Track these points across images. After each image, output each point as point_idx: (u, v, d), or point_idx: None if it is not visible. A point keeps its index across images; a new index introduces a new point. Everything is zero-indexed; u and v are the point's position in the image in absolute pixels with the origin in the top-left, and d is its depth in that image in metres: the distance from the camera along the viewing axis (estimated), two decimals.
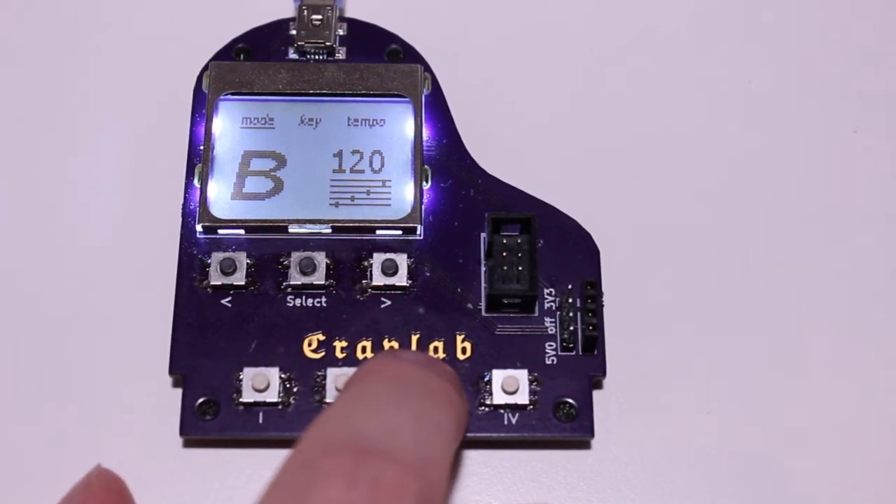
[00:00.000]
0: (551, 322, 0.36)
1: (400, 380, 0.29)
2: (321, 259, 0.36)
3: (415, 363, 0.30)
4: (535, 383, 0.35)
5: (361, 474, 0.26)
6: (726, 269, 0.38)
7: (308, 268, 0.36)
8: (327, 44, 0.39)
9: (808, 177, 0.40)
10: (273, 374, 0.35)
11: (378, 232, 0.37)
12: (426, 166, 0.37)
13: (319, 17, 0.39)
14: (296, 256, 0.36)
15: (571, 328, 0.35)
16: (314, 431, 0.28)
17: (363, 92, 0.38)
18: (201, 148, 0.37)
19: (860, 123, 0.40)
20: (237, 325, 0.36)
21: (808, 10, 0.42)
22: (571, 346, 0.35)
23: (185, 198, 0.37)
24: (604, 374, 0.35)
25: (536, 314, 0.36)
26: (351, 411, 0.28)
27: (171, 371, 0.35)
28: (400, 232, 0.37)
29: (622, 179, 0.39)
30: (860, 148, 0.40)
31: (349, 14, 0.41)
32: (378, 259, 0.36)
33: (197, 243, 0.37)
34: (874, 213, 0.39)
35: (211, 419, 0.35)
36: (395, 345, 0.35)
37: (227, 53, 0.39)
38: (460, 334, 0.36)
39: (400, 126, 0.38)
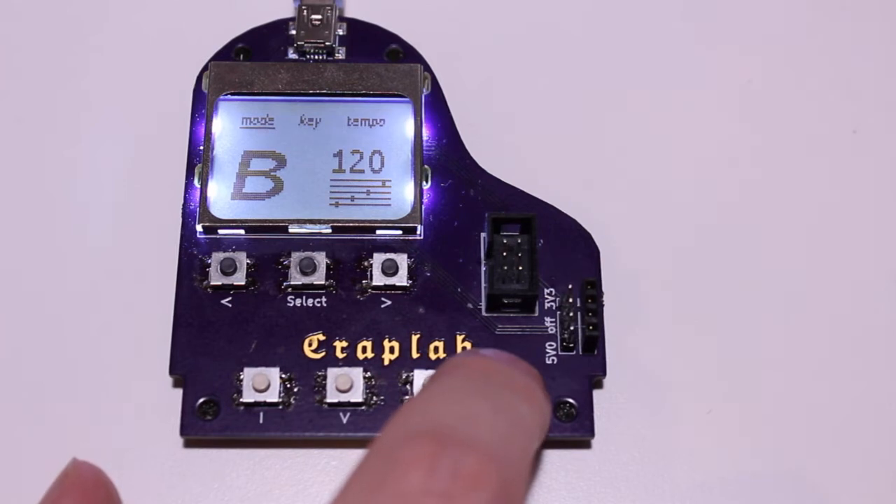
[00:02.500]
0: (551, 322, 0.36)
1: (483, 373, 0.29)
2: (321, 259, 0.36)
3: (497, 359, 0.30)
4: None
5: (442, 462, 0.26)
6: (726, 268, 0.38)
7: (308, 268, 0.36)
8: (327, 44, 0.39)
9: (808, 177, 0.40)
10: (273, 375, 0.35)
11: (378, 232, 0.37)
12: (426, 166, 0.37)
13: (319, 16, 0.39)
14: (296, 256, 0.36)
15: (572, 328, 0.35)
16: (395, 421, 0.28)
17: (363, 92, 0.38)
18: (201, 148, 0.37)
19: (860, 123, 0.40)
20: (237, 325, 0.36)
21: (808, 10, 0.42)
22: (572, 345, 0.35)
23: (185, 198, 0.37)
24: (604, 373, 0.35)
25: (537, 314, 0.36)
26: (432, 402, 0.28)
27: (172, 371, 0.35)
28: (400, 232, 0.37)
29: (622, 179, 0.39)
30: (860, 148, 0.40)
31: (349, 14, 0.41)
32: (378, 259, 0.36)
33: (197, 243, 0.37)
34: (874, 213, 0.39)
35: (211, 419, 0.35)
36: (395, 345, 0.35)
37: (226, 53, 0.39)
38: (460, 334, 0.36)
39: (400, 126, 0.38)
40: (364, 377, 0.35)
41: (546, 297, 0.36)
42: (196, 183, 0.37)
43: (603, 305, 0.36)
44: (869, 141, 0.40)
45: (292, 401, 0.35)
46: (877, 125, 0.40)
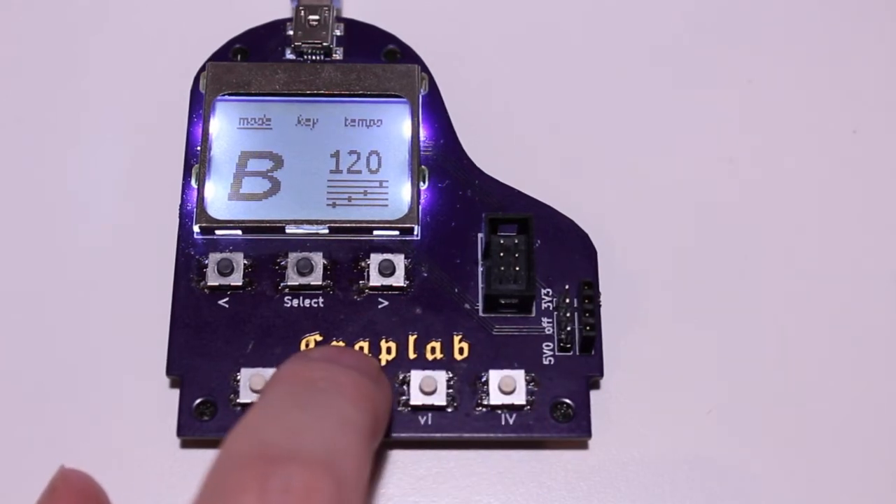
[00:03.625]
0: (549, 322, 0.36)
1: (304, 382, 0.30)
2: (318, 260, 0.36)
3: (321, 360, 0.31)
4: (532, 383, 0.35)
5: (271, 483, 0.26)
6: (724, 269, 0.38)
7: (305, 268, 0.36)
8: (324, 44, 0.39)
9: (808, 177, 0.40)
10: (270, 375, 0.35)
11: (375, 232, 0.37)
12: (423, 167, 0.37)
13: (316, 17, 0.39)
14: (293, 257, 0.36)
15: (569, 328, 0.35)
16: (223, 449, 0.28)
17: (360, 92, 0.38)
18: (198, 149, 0.37)
19: (860, 123, 0.40)
20: (234, 325, 0.36)
21: (808, 10, 0.42)
22: (569, 346, 0.35)
23: (182, 199, 0.37)
24: (601, 374, 0.35)
25: (534, 314, 0.36)
26: (256, 422, 0.28)
27: (169, 372, 0.35)
28: (397, 232, 0.37)
29: (620, 179, 0.39)
30: (860, 148, 0.40)
31: (346, 14, 0.40)
32: (375, 259, 0.36)
33: (194, 244, 0.37)
34: (874, 213, 0.39)
35: (208, 420, 0.35)
36: (392, 346, 0.35)
37: (224, 54, 0.39)
38: (458, 335, 0.36)
39: (397, 126, 0.38)
40: None
41: (543, 297, 0.36)
42: (193, 183, 0.37)
43: (600, 306, 0.36)
44: (869, 141, 0.40)
45: None
46: (877, 125, 0.40)
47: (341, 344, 0.35)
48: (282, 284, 0.36)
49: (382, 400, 0.31)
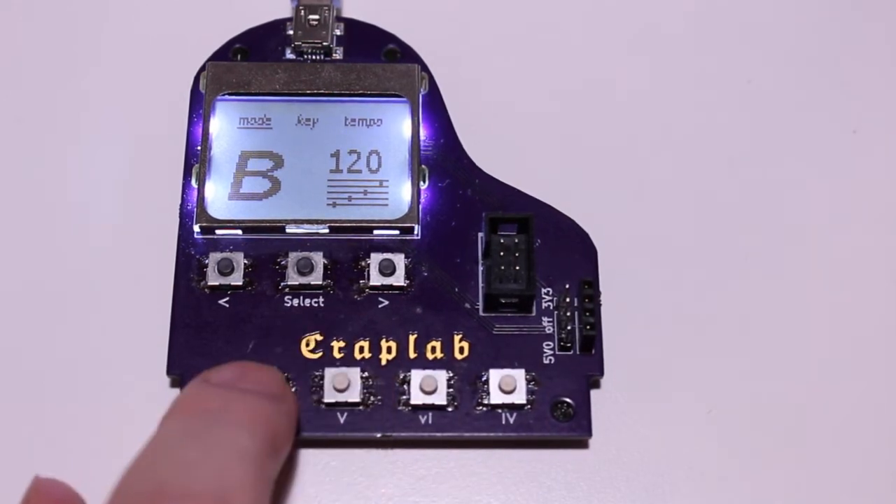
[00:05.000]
0: (549, 322, 0.36)
1: (199, 413, 0.30)
2: (319, 259, 0.36)
3: (219, 386, 0.31)
4: (532, 383, 0.35)
5: None
6: (725, 268, 0.38)
7: (305, 268, 0.36)
8: (324, 44, 0.39)
9: (808, 177, 0.39)
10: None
11: (375, 232, 0.37)
12: (423, 166, 0.37)
13: (316, 17, 0.39)
14: (293, 257, 0.36)
15: (569, 328, 0.35)
16: (117, 488, 0.28)
17: (360, 92, 0.38)
18: (199, 148, 0.37)
19: (860, 123, 0.40)
20: (235, 325, 0.36)
21: (808, 10, 0.42)
22: (569, 345, 0.35)
23: (182, 198, 0.37)
24: (601, 373, 0.35)
25: (534, 314, 0.36)
26: (150, 459, 0.29)
27: (169, 371, 0.35)
28: (397, 232, 0.37)
29: (620, 179, 0.39)
30: (860, 148, 0.40)
31: (346, 14, 0.41)
32: (375, 259, 0.36)
33: (194, 244, 0.37)
34: (874, 213, 0.39)
35: None
36: (393, 345, 0.35)
37: (224, 54, 0.39)
38: (458, 334, 0.36)
39: (397, 126, 0.38)
40: (361, 377, 0.35)
41: (543, 296, 0.36)
42: (193, 183, 0.37)
43: (600, 305, 0.36)
44: (869, 141, 0.40)
45: None
46: (877, 125, 0.40)
47: (342, 343, 0.35)
48: (282, 284, 0.36)
49: (283, 416, 0.31)
